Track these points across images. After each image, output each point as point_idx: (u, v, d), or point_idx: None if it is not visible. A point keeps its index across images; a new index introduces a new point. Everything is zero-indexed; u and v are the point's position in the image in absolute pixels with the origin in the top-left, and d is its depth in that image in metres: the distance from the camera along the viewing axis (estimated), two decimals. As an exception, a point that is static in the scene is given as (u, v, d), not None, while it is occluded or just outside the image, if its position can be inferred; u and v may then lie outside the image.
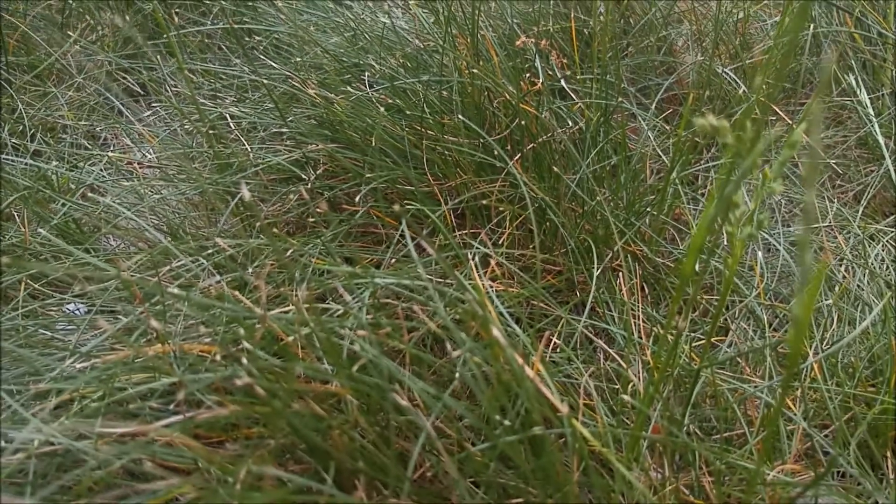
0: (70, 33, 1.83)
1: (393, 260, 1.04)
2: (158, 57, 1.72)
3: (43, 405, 0.78)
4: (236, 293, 0.86)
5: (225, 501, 0.65)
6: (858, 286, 1.17)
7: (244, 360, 0.69)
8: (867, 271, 1.20)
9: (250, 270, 0.96)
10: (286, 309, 0.85)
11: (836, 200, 1.46)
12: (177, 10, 1.85)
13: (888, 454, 0.98)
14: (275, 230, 1.10)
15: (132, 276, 0.90)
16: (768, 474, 0.83)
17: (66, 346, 0.90)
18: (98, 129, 1.43)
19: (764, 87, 1.21)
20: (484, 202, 1.14)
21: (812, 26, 1.71)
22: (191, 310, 0.84)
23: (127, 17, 1.85)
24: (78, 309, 0.99)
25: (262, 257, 0.99)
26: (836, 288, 1.17)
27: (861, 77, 1.66)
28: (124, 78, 1.71)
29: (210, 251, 1.01)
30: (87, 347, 0.83)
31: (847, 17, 1.76)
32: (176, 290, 0.81)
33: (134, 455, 0.72)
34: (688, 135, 1.19)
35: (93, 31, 1.89)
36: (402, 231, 1.04)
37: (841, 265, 1.24)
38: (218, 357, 0.77)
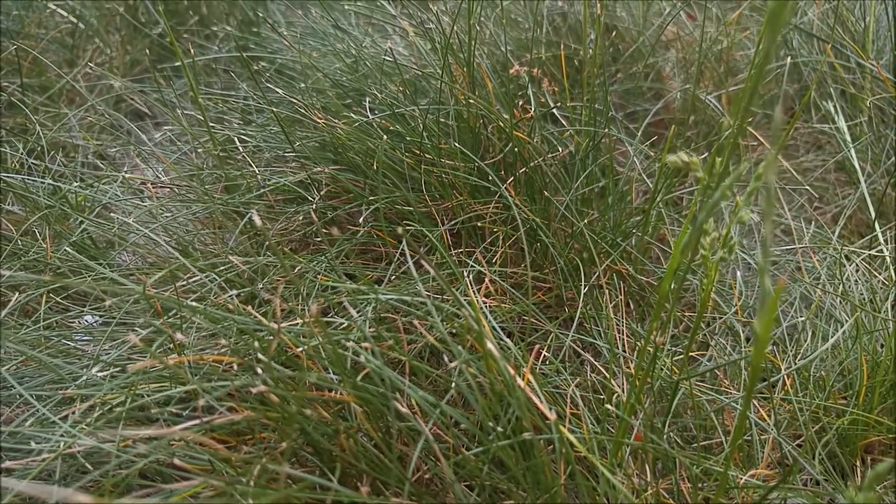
0: (80, 56, 1.90)
1: (393, 277, 1.11)
2: (165, 80, 1.80)
3: (67, 410, 0.84)
4: (248, 307, 0.93)
5: (240, 498, 0.71)
6: (832, 304, 1.25)
7: (259, 370, 0.76)
8: (840, 290, 1.27)
9: (261, 286, 1.03)
10: (294, 322, 0.92)
11: (813, 222, 1.53)
12: (184, 34, 1.93)
13: (857, 463, 1.05)
14: (286, 249, 1.17)
15: (150, 290, 0.97)
16: (741, 479, 0.89)
17: (86, 355, 0.96)
18: (111, 149, 1.49)
19: (740, 113, 1.29)
20: (478, 223, 1.21)
21: (791, 56, 1.80)
22: (205, 322, 0.91)
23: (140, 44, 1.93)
24: (96, 320, 1.05)
25: (270, 274, 1.06)
26: (811, 306, 1.24)
27: (840, 104, 1.75)
28: (132, 99, 1.78)
29: (221, 268, 1.07)
30: (111, 357, 0.90)
31: (827, 47, 1.85)
32: (193, 304, 0.87)
33: (155, 456, 0.78)
34: (670, 163, 1.27)
35: (101, 54, 1.96)
36: (403, 250, 1.10)
37: (817, 284, 1.31)
38: (233, 366, 0.83)
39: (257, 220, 0.72)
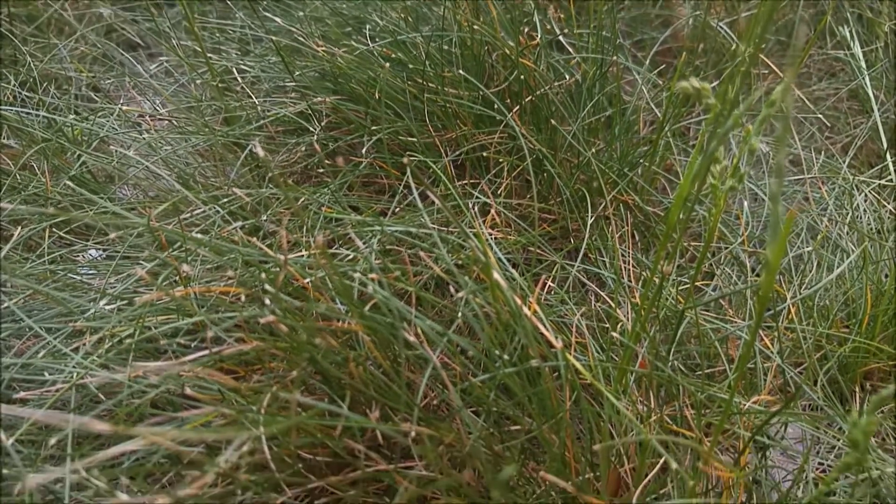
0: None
1: (397, 209, 1.11)
2: (157, 9, 1.75)
3: (77, 343, 0.86)
4: (253, 239, 0.93)
5: (251, 426, 0.74)
6: (839, 235, 1.25)
7: (267, 301, 0.77)
8: (848, 220, 1.27)
9: (265, 218, 1.03)
10: (300, 254, 0.93)
11: (823, 152, 1.53)
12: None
13: (856, 389, 1.08)
14: (288, 181, 1.17)
15: (153, 223, 0.97)
16: (744, 405, 0.92)
17: (93, 289, 0.97)
18: (104, 81, 1.47)
19: (754, 40, 1.26)
20: (483, 154, 1.20)
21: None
22: (211, 254, 0.92)
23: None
24: (100, 254, 1.06)
25: (274, 206, 1.06)
26: (818, 236, 1.25)
27: (856, 30, 1.71)
28: (124, 29, 1.75)
29: (224, 200, 1.07)
30: (117, 290, 0.91)
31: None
32: (198, 236, 0.88)
33: (166, 387, 0.80)
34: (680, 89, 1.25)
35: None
36: (407, 181, 1.10)
37: (824, 215, 1.31)
38: (240, 298, 0.84)
39: (259, 151, 0.72)
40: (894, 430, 1.00)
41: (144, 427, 0.75)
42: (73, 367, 0.81)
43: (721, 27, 1.61)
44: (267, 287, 0.77)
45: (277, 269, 0.85)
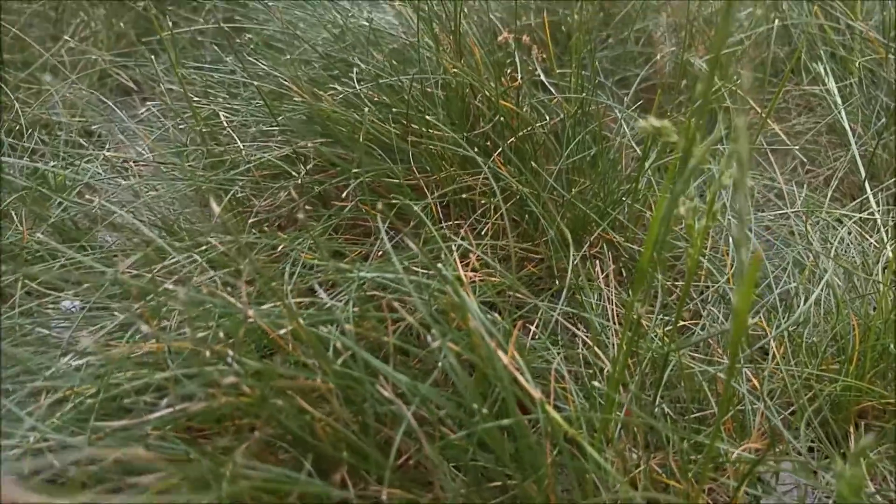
0: (64, 30, 1.79)
1: (380, 253, 1.04)
2: (152, 55, 1.69)
3: (38, 404, 0.77)
4: (228, 290, 0.85)
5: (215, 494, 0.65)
6: (824, 269, 1.17)
7: (230, 359, 0.69)
8: (833, 254, 1.19)
9: (242, 267, 0.95)
10: (276, 304, 0.84)
11: (805, 185, 1.45)
12: (169, 6, 1.81)
13: (850, 430, 0.99)
14: (264, 228, 1.09)
15: (128, 273, 0.89)
16: (733, 452, 0.83)
17: (62, 344, 0.89)
18: (93, 126, 1.41)
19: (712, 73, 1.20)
20: (466, 195, 1.13)
21: (780, 18, 1.70)
22: (184, 306, 0.84)
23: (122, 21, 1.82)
24: (74, 306, 0.98)
25: (252, 254, 0.98)
26: (805, 270, 1.17)
27: (829, 66, 1.65)
28: (118, 74, 1.68)
29: (204, 248, 0.99)
30: (81, 345, 0.83)
31: (817, 9, 1.74)
32: (171, 287, 0.80)
33: (127, 449, 0.71)
34: (640, 129, 1.18)
35: (86, 28, 1.85)
36: (388, 225, 1.02)
37: (810, 248, 1.23)
38: (207, 354, 0.76)
39: (215, 207, 0.64)
40: (893, 473, 0.91)
41: (92, 495, 0.66)
42: (29, 429, 0.72)
43: (701, 64, 1.55)
44: (230, 343, 0.69)
45: (251, 320, 0.77)
